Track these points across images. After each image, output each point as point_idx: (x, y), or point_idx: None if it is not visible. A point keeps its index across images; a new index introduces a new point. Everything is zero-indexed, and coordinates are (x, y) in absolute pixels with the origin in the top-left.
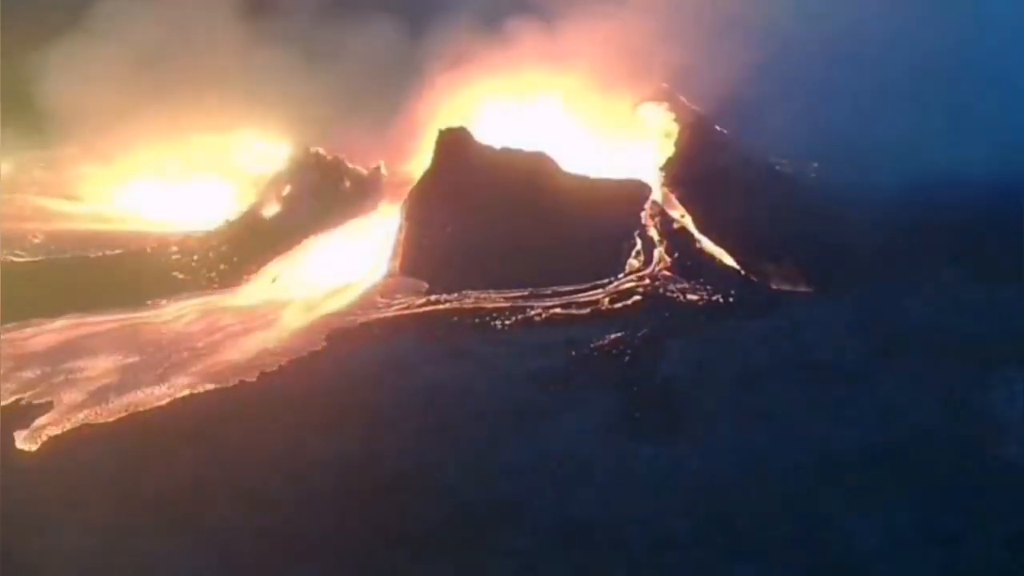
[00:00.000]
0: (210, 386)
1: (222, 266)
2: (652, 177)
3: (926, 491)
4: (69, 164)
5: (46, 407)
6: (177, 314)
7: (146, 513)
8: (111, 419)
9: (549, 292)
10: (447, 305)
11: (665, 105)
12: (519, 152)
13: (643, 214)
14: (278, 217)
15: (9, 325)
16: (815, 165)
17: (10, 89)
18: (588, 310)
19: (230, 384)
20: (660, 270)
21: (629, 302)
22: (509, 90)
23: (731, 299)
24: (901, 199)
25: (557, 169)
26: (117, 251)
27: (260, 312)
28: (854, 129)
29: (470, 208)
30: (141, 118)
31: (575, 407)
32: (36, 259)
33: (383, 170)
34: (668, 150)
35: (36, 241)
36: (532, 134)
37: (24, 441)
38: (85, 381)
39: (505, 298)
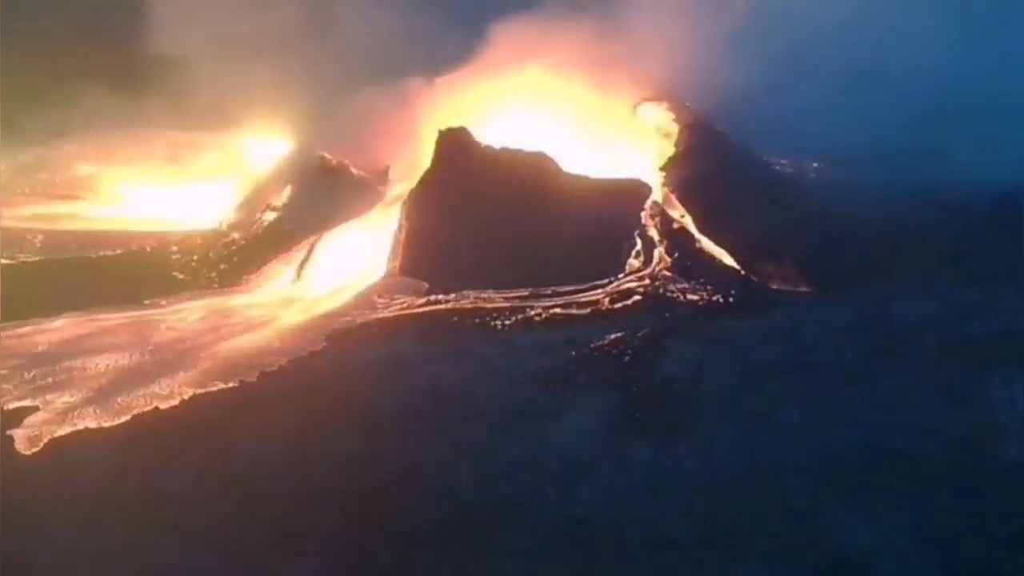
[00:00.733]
0: (210, 386)
1: (222, 266)
2: (652, 177)
3: (926, 491)
4: (69, 164)
5: (46, 407)
6: (177, 314)
7: (146, 513)
8: (111, 419)
9: (549, 292)
10: (447, 305)
11: (665, 105)
12: (519, 152)
13: (643, 214)
14: (278, 217)
15: (9, 325)
16: (815, 165)
17: (10, 89)
18: (588, 310)
19: (230, 384)
20: (660, 270)
21: (629, 302)
22: (509, 90)
23: (731, 299)
24: (901, 199)
25: (557, 169)
26: (117, 251)
27: (260, 312)
28: (854, 129)
29: (470, 208)
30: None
31: (575, 407)
32: (36, 259)
33: (391, 174)
34: (668, 150)
35: (36, 241)
36: (532, 134)
37: (23, 441)
38: (85, 381)
39: (505, 298)
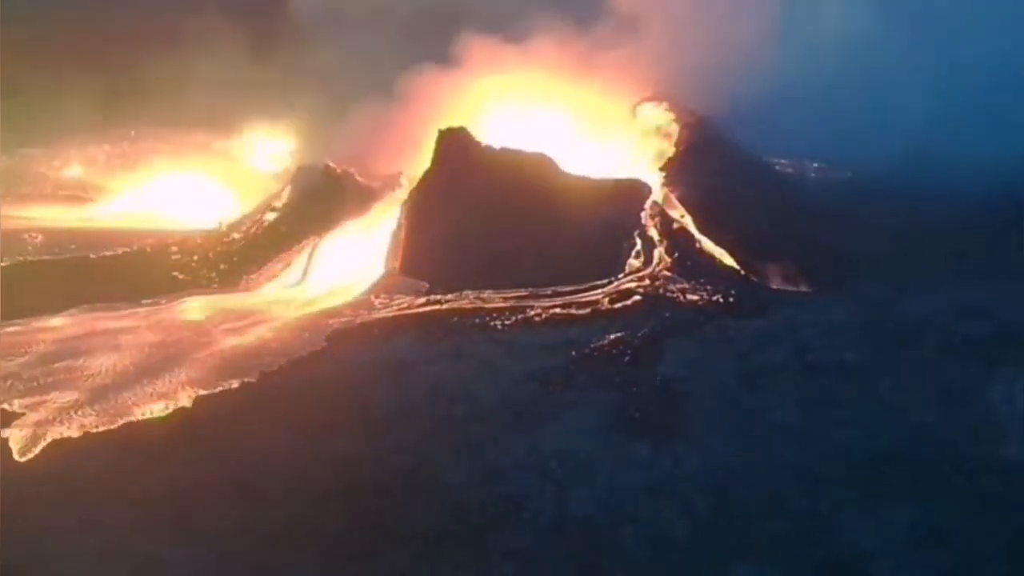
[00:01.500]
0: (210, 386)
1: (222, 266)
2: (652, 177)
3: (926, 491)
4: (69, 164)
5: (46, 406)
6: (177, 314)
7: (146, 513)
8: (110, 418)
9: (549, 292)
10: (447, 305)
11: (665, 105)
12: (519, 152)
13: (643, 214)
14: (278, 217)
15: (9, 324)
16: (815, 165)
17: (10, 88)
18: (588, 310)
19: (230, 384)
20: (660, 270)
21: (629, 302)
22: (510, 91)
23: (731, 299)
24: (901, 199)
25: (557, 169)
26: (117, 251)
27: (260, 312)
28: (854, 129)
29: (470, 208)
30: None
31: (575, 407)
32: (36, 259)
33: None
34: (668, 150)
35: (36, 241)
36: (532, 134)
37: (23, 440)
38: (85, 380)
39: (505, 298)
